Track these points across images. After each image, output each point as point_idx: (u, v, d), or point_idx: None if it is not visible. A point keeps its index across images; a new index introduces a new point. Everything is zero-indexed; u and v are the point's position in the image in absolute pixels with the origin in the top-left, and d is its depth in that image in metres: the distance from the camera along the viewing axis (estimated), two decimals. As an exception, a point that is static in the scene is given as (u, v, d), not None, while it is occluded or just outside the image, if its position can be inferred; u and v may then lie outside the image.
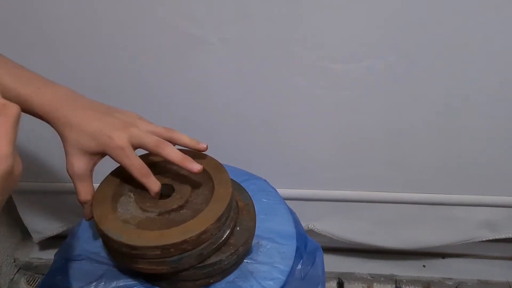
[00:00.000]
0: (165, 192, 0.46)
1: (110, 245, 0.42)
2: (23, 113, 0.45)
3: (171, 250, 0.40)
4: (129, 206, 0.45)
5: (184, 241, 0.40)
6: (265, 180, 0.59)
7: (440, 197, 0.82)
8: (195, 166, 0.44)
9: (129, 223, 0.43)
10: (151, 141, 0.44)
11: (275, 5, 0.62)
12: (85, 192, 0.45)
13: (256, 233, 0.48)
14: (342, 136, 0.76)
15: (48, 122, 0.44)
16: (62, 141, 0.44)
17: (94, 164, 0.45)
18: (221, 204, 0.43)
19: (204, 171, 0.46)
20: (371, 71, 0.68)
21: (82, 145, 0.43)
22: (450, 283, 0.95)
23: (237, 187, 0.52)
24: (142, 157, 0.46)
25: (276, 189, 0.58)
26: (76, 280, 0.45)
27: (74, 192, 0.84)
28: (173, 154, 0.44)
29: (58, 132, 0.44)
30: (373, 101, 0.71)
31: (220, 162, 0.49)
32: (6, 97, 0.42)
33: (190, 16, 0.64)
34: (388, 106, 0.72)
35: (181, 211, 0.44)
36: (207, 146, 0.48)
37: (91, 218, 0.45)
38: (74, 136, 0.43)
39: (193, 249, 0.41)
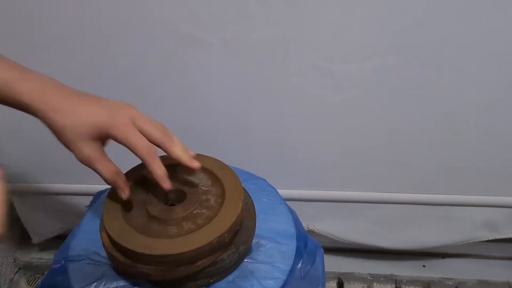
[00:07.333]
0: (177, 199, 0.46)
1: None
2: (16, 114, 0.41)
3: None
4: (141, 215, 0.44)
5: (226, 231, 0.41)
6: (265, 180, 0.59)
7: (440, 197, 0.82)
8: (195, 164, 0.42)
9: (161, 236, 0.42)
10: (155, 129, 0.40)
11: (275, 5, 0.62)
12: (108, 172, 0.40)
13: (256, 232, 0.48)
14: (342, 137, 0.76)
15: (34, 111, 0.39)
16: (55, 132, 0.39)
17: (103, 145, 0.41)
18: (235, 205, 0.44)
19: (210, 173, 0.48)
20: (371, 72, 0.68)
21: (81, 131, 0.38)
22: (450, 283, 0.95)
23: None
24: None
25: (276, 189, 0.58)
26: (76, 280, 0.45)
27: (73, 193, 0.84)
28: (177, 149, 0.41)
29: (48, 123, 0.39)
30: (373, 102, 0.71)
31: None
32: None
33: (190, 16, 0.64)
34: (388, 106, 0.72)
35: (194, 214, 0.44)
36: (199, 165, 0.44)
37: (128, 195, 0.42)
38: (69, 123, 0.38)
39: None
